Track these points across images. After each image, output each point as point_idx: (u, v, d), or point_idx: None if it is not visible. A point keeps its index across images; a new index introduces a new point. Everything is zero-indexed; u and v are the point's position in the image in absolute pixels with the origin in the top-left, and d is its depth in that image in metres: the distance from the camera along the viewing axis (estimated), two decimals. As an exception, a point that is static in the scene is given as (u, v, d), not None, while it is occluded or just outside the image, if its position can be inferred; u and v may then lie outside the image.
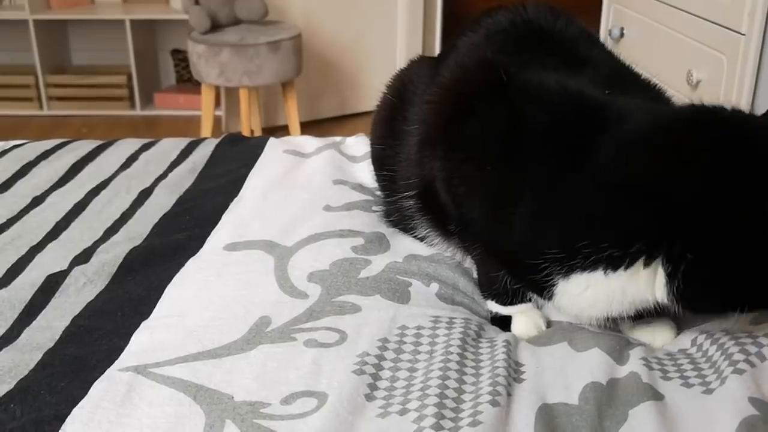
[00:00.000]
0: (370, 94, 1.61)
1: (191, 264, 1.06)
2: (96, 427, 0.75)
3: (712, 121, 0.78)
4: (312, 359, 0.84)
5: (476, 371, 0.82)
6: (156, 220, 1.23)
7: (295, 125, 3.25)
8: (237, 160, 1.43)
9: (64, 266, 1.08)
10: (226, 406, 0.77)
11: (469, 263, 1.08)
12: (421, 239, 1.10)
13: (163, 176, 1.41)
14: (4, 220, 1.24)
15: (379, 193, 1.23)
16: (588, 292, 0.81)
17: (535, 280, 0.84)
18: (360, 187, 1.29)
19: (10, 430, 0.75)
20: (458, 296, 1.01)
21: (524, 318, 0.96)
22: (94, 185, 1.36)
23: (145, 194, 1.33)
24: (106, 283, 1.04)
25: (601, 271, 0.79)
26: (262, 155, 1.44)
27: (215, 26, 3.05)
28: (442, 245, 1.08)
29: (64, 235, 1.19)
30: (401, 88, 1.15)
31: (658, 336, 0.91)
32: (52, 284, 1.03)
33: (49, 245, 1.16)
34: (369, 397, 0.78)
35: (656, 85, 0.98)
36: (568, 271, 0.81)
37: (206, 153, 1.50)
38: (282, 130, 3.37)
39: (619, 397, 0.77)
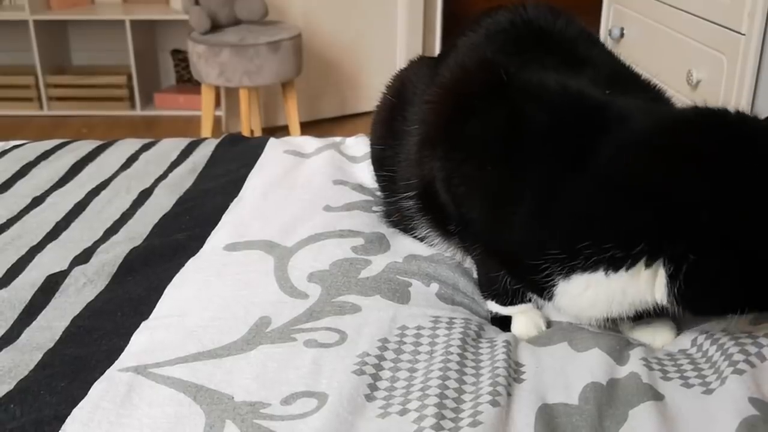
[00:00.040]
0: (370, 94, 1.61)
1: (191, 264, 1.06)
2: (96, 428, 0.75)
3: (716, 123, 0.78)
4: (312, 359, 0.84)
5: (476, 371, 0.82)
6: (156, 221, 1.23)
7: (295, 125, 3.25)
8: (237, 161, 1.43)
9: (64, 266, 1.08)
10: (226, 407, 0.77)
11: (469, 263, 1.08)
12: (421, 239, 1.10)
13: (163, 176, 1.41)
14: (4, 220, 1.24)
15: (379, 193, 1.23)
16: (588, 293, 0.81)
17: (535, 281, 0.84)
18: (360, 188, 1.29)
19: (10, 430, 0.75)
20: (458, 296, 1.01)
21: (524, 318, 0.96)
22: (94, 185, 1.36)
23: (145, 194, 1.33)
24: (106, 283, 1.04)
25: (602, 272, 0.79)
26: (262, 155, 1.44)
27: (215, 26, 3.05)
28: (442, 245, 1.08)
29: (64, 236, 1.19)
30: (401, 88, 1.15)
31: (658, 336, 0.91)
32: (52, 284, 1.03)
33: (49, 245, 1.16)
34: (369, 398, 0.78)
35: (656, 85, 0.98)
36: (569, 271, 0.81)
37: (206, 153, 1.50)
38: (282, 131, 3.37)
39: (619, 398, 0.77)
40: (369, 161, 1.26)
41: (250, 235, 1.12)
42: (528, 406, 0.76)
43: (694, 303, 0.79)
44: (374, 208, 1.21)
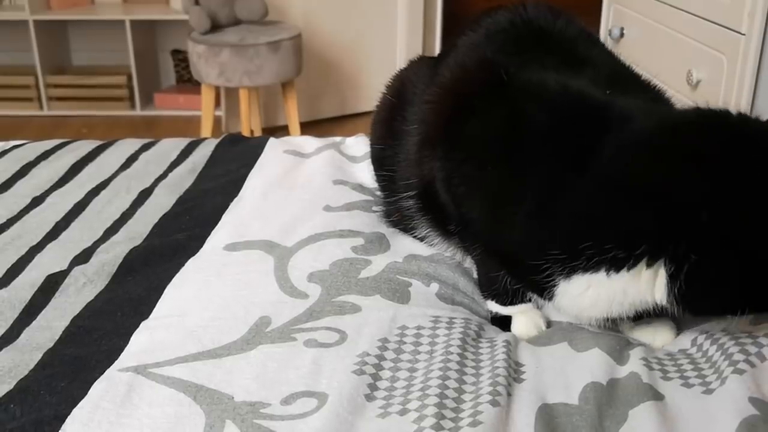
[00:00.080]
0: (370, 94, 1.61)
1: (191, 264, 1.06)
2: (96, 428, 0.75)
3: (718, 124, 0.78)
4: (312, 359, 0.84)
5: (476, 371, 0.82)
6: (156, 220, 1.23)
7: (295, 125, 3.25)
8: (237, 160, 1.43)
9: (64, 266, 1.08)
10: (226, 407, 0.77)
11: (469, 263, 1.08)
12: (421, 239, 1.10)
13: (163, 176, 1.41)
14: (4, 220, 1.24)
15: (379, 193, 1.23)
16: (589, 293, 0.81)
17: (535, 281, 0.84)
18: (360, 188, 1.29)
19: (10, 430, 0.75)
20: (458, 296, 1.01)
21: (524, 318, 0.96)
22: (94, 185, 1.36)
23: (145, 194, 1.33)
24: (106, 283, 1.04)
25: (603, 272, 0.79)
26: (262, 155, 1.44)
27: (215, 26, 3.05)
28: (442, 245, 1.08)
29: (64, 235, 1.19)
30: (401, 88, 1.15)
31: (658, 336, 0.91)
32: (51, 284, 1.03)
33: (49, 245, 1.16)
34: (369, 397, 0.78)
35: (656, 85, 0.98)
36: (570, 271, 0.81)
37: (206, 153, 1.50)
38: (282, 130, 3.37)
39: (619, 397, 0.77)
40: (369, 161, 1.26)
41: (250, 235, 1.12)
42: (528, 406, 0.76)
43: (694, 303, 0.79)
44: (374, 208, 1.21)
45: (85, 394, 0.79)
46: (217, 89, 3.23)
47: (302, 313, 0.93)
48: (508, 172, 0.86)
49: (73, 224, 1.23)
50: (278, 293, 0.97)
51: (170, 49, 3.84)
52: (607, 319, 0.86)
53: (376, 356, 0.84)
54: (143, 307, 0.96)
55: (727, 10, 1.71)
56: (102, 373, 0.83)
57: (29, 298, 1.00)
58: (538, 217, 0.82)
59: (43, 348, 0.89)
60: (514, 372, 0.82)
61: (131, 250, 1.10)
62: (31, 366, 0.86)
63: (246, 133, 3.08)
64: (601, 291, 0.81)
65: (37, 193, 1.33)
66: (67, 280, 1.03)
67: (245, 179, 1.34)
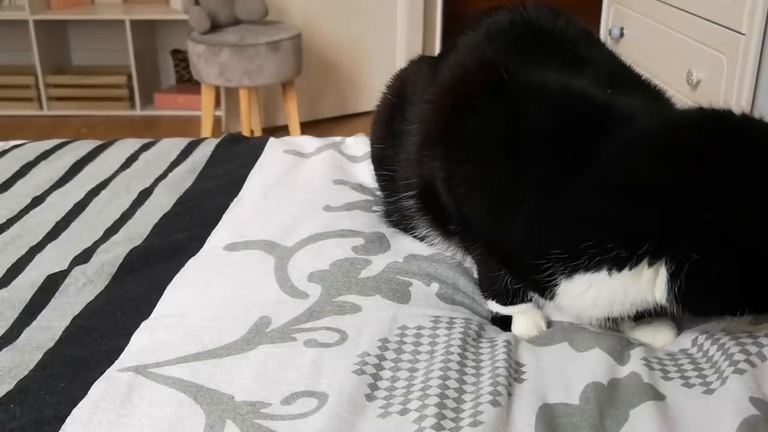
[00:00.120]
0: (370, 94, 1.61)
1: (191, 264, 1.06)
2: (96, 428, 0.75)
3: (721, 125, 0.78)
4: (312, 359, 0.84)
5: (477, 371, 0.82)
6: (156, 220, 1.23)
7: (295, 125, 3.25)
8: (237, 160, 1.43)
9: (64, 266, 1.08)
10: (226, 407, 0.77)
11: (469, 263, 1.08)
12: (422, 239, 1.10)
13: (163, 176, 1.40)
14: (4, 220, 1.24)
15: (379, 193, 1.23)
16: (590, 292, 0.81)
17: (536, 280, 0.84)
18: (360, 187, 1.29)
19: (10, 430, 0.75)
20: (459, 296, 1.01)
21: (525, 318, 0.96)
22: (94, 185, 1.36)
23: (145, 194, 1.33)
24: (106, 283, 1.04)
25: (605, 271, 0.79)
26: (262, 155, 1.44)
27: (215, 26, 3.05)
28: (442, 245, 1.08)
29: (64, 235, 1.19)
30: (401, 87, 1.15)
31: (659, 336, 0.91)
32: (52, 284, 1.02)
33: (49, 245, 1.16)
34: (369, 397, 0.78)
35: (656, 85, 0.98)
36: (572, 271, 0.81)
37: (206, 153, 1.50)
38: (282, 130, 3.37)
39: (620, 397, 0.77)
40: (369, 161, 1.26)
41: (250, 235, 1.12)
42: (529, 406, 0.76)
43: (694, 303, 0.79)
44: (374, 208, 1.21)
45: (85, 394, 0.79)
46: (217, 89, 3.23)
47: (302, 313, 0.93)
48: (508, 172, 0.86)
49: (73, 224, 1.23)
50: (278, 293, 0.97)
51: (170, 49, 3.83)
52: (608, 319, 0.86)
53: (376, 356, 0.84)
54: (143, 307, 0.96)
55: (727, 10, 1.71)
56: (102, 373, 0.83)
57: (29, 298, 1.00)
58: (539, 216, 0.82)
59: (43, 348, 0.89)
60: (515, 372, 0.82)
61: (131, 250, 1.10)
62: (31, 366, 0.86)
63: (246, 133, 3.08)
64: (603, 290, 0.81)
65: (37, 193, 1.33)
66: (67, 280, 1.03)
67: (245, 179, 1.33)
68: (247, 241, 1.10)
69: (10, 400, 0.80)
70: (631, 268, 0.78)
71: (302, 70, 3.18)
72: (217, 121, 3.33)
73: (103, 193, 1.34)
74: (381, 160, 1.17)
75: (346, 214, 1.18)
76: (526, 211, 0.83)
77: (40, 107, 3.66)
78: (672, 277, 0.76)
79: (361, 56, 3.56)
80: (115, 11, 3.61)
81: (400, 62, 2.24)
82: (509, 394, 0.77)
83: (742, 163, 0.74)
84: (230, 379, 0.81)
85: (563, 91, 0.86)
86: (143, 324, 0.92)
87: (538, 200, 0.82)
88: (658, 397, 0.76)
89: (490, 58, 0.97)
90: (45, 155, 1.48)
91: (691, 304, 0.79)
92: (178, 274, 1.03)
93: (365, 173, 1.33)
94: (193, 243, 1.12)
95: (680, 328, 0.92)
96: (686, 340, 0.89)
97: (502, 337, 0.90)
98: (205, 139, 1.60)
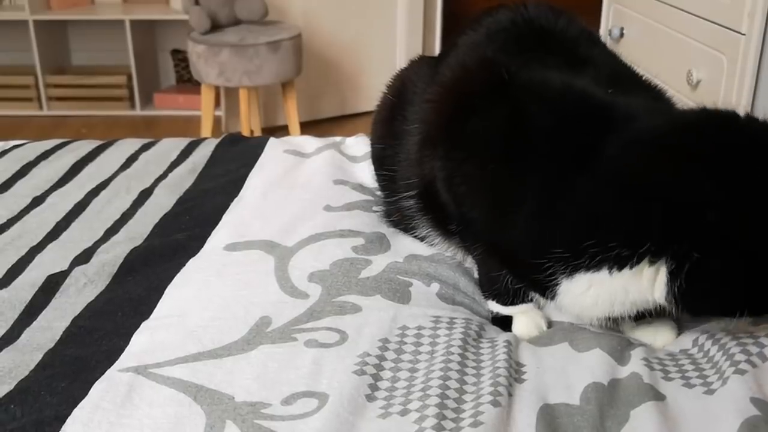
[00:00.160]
0: (370, 94, 1.61)
1: (191, 264, 1.05)
2: (96, 428, 0.75)
3: (725, 125, 0.78)
4: (312, 359, 0.84)
5: (477, 371, 0.82)
6: (156, 221, 1.23)
7: (294, 125, 3.25)
8: (237, 160, 1.43)
9: (65, 266, 1.08)
10: (226, 407, 0.77)
11: (469, 263, 1.07)
12: (422, 239, 1.10)
13: (163, 176, 1.40)
14: (4, 220, 1.24)
15: (379, 192, 1.23)
16: (591, 292, 0.81)
17: (537, 280, 0.84)
18: (360, 187, 1.29)
19: (10, 430, 0.75)
20: (459, 296, 1.01)
21: (525, 318, 0.95)
22: (94, 185, 1.36)
23: (145, 194, 1.33)
24: (107, 283, 1.04)
25: (605, 271, 0.79)
26: (262, 155, 1.44)
27: (215, 26, 3.05)
28: (442, 245, 1.08)
29: (64, 236, 1.19)
30: (401, 87, 1.15)
31: (660, 336, 0.91)
32: (52, 284, 1.02)
33: (49, 245, 1.16)
34: (370, 398, 0.78)
35: (656, 85, 0.98)
36: (573, 270, 0.81)
37: (206, 153, 1.50)
38: (282, 130, 3.37)
39: (620, 398, 0.77)
40: (369, 161, 1.26)
41: (250, 235, 1.12)
42: (529, 406, 0.76)
43: (693, 303, 0.79)
44: (374, 208, 1.21)
45: (86, 394, 0.79)
46: (217, 89, 3.23)
47: (303, 313, 0.93)
48: (509, 171, 0.85)
49: (73, 224, 1.23)
50: (279, 293, 0.97)
51: (170, 49, 3.83)
52: (609, 319, 0.86)
53: (376, 356, 0.84)
54: (143, 308, 0.96)
55: (727, 10, 1.71)
56: (102, 374, 0.83)
57: (30, 298, 1.00)
58: (540, 216, 0.82)
59: (43, 348, 0.89)
60: (515, 372, 0.82)
61: (131, 251, 1.10)
62: (32, 366, 0.86)
63: (246, 133, 3.08)
64: (603, 289, 0.81)
65: (37, 193, 1.33)
66: (67, 281, 1.03)
67: (245, 179, 1.33)
68: (247, 241, 1.10)
69: (11, 401, 0.80)
70: (632, 267, 0.78)
71: (302, 70, 3.17)
72: (217, 121, 3.33)
73: (104, 193, 1.34)
74: (381, 160, 1.17)
75: (346, 214, 1.18)
76: (526, 211, 0.83)
77: (40, 107, 3.66)
78: (672, 276, 0.76)
79: (361, 56, 3.56)
80: (114, 11, 3.61)
81: (400, 62, 2.24)
82: (510, 395, 0.77)
83: (744, 163, 0.74)
84: (230, 380, 0.81)
85: (564, 91, 0.86)
86: (143, 324, 0.92)
87: (539, 200, 0.82)
88: (659, 397, 0.76)
89: (490, 57, 0.96)
90: (45, 155, 1.48)
91: (690, 304, 0.79)
92: (178, 274, 1.03)
93: (365, 173, 1.33)
94: (194, 243, 1.12)
95: (681, 328, 0.92)
96: (687, 340, 0.89)
97: (502, 337, 0.90)
98: (205, 139, 1.60)
